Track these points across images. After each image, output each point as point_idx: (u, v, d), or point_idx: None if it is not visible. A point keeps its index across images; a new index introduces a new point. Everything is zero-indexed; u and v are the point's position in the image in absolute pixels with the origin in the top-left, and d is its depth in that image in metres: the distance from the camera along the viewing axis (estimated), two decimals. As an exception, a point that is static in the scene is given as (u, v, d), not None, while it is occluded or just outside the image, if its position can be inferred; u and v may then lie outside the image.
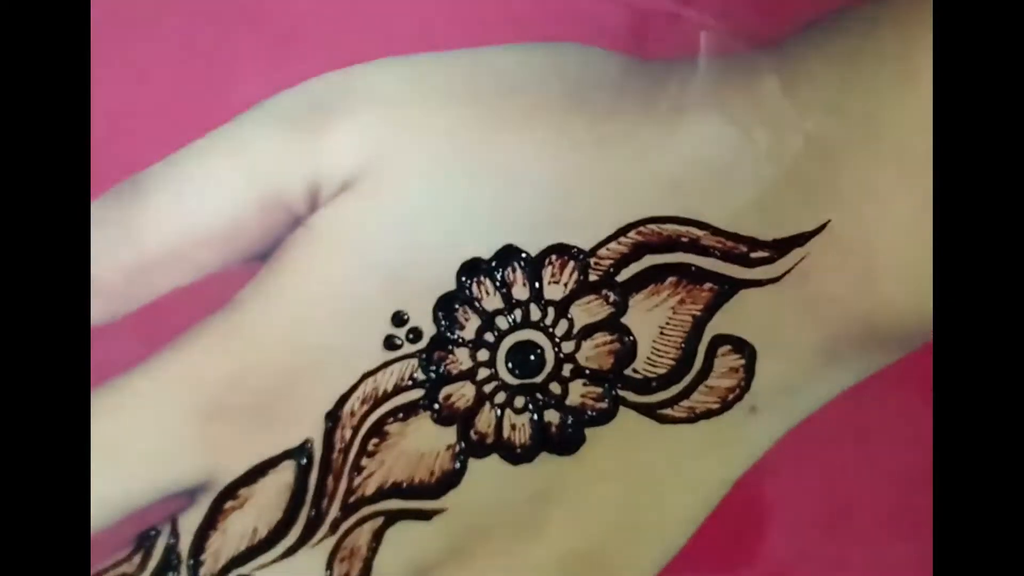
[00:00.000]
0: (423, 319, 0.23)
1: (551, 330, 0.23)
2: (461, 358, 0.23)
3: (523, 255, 0.23)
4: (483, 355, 0.23)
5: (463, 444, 0.23)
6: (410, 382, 0.23)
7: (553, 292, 0.23)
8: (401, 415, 0.23)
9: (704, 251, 0.23)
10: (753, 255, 0.23)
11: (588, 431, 0.23)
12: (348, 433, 0.22)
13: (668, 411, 0.23)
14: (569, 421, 0.23)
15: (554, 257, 0.23)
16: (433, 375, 0.23)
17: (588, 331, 0.23)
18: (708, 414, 0.23)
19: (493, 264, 0.23)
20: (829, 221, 0.23)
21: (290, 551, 0.22)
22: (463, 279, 0.23)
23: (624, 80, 0.24)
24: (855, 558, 0.24)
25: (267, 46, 0.24)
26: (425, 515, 0.22)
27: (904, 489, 0.24)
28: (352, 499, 0.22)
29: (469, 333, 0.23)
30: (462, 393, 0.23)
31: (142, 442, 0.22)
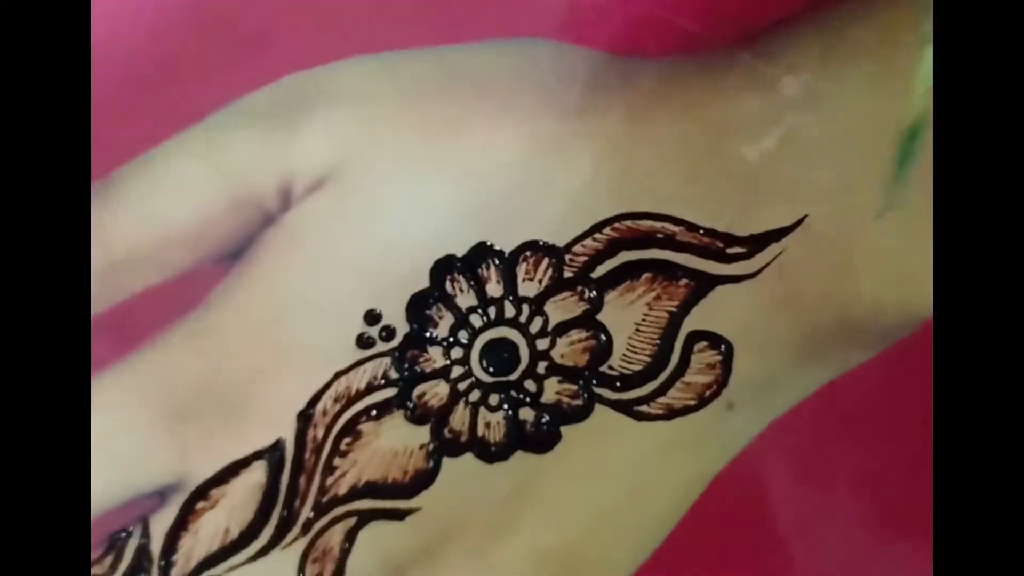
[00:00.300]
0: (396, 317, 0.23)
1: (526, 327, 0.23)
2: (435, 356, 0.23)
3: (497, 252, 0.23)
4: (457, 353, 0.23)
5: (437, 443, 0.22)
6: (383, 381, 0.22)
7: (527, 289, 0.23)
8: (374, 414, 0.22)
9: (680, 247, 0.23)
10: (729, 251, 0.23)
11: (564, 428, 0.22)
12: (320, 432, 0.22)
13: (644, 408, 0.23)
14: (544, 419, 0.22)
15: (528, 254, 0.23)
16: (406, 373, 0.22)
17: (563, 328, 0.23)
18: (685, 411, 0.23)
19: (467, 261, 0.23)
20: (806, 216, 0.23)
21: (262, 552, 0.22)
22: (437, 277, 0.23)
23: (597, 77, 0.24)
24: (837, 556, 0.24)
25: (239, 44, 0.23)
26: (399, 515, 0.22)
27: (897, 485, 0.24)
28: (325, 499, 0.22)
29: (443, 331, 0.23)
30: (436, 391, 0.22)
31: (113, 442, 0.22)
